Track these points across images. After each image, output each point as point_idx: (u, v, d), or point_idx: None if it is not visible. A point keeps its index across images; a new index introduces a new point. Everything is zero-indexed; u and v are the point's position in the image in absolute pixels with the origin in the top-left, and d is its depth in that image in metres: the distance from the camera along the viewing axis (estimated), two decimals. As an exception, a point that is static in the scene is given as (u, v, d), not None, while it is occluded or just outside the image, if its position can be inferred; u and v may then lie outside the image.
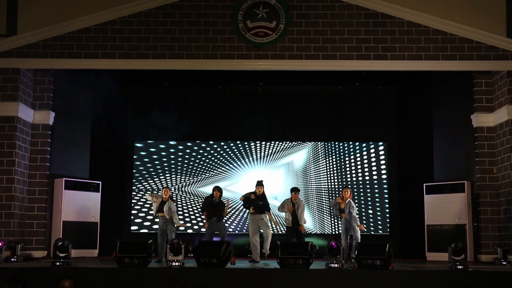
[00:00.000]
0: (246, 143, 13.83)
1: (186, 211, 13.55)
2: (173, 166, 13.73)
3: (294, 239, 10.97)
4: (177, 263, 8.92)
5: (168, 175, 13.69)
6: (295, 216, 11.04)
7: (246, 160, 13.82)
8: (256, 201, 10.82)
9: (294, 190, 11.19)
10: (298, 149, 13.82)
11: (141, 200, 13.52)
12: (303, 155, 13.82)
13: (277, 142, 13.83)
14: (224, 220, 11.35)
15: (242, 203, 11.25)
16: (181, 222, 11.61)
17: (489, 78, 11.80)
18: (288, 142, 13.82)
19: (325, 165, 13.75)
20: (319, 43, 11.38)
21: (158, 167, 13.71)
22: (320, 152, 13.80)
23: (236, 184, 13.67)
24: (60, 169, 12.13)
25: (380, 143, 13.75)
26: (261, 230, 10.90)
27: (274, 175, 13.71)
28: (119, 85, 13.25)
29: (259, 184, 10.98)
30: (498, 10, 11.76)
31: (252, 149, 13.82)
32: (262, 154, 13.82)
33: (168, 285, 8.34)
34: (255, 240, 10.74)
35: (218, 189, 11.13)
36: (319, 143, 13.81)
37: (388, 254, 8.59)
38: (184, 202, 13.61)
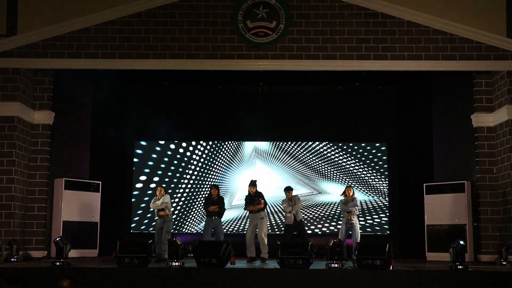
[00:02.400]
0: (246, 143, 13.82)
1: (185, 210, 13.55)
2: (173, 166, 13.72)
3: (294, 236, 10.98)
4: (177, 263, 8.93)
5: (168, 175, 13.67)
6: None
7: (246, 160, 13.81)
8: (254, 200, 10.87)
9: (287, 190, 11.23)
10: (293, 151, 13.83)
11: (142, 201, 13.52)
12: (296, 155, 13.82)
13: (277, 142, 13.82)
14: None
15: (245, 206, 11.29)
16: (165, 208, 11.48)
17: (489, 78, 11.79)
18: (288, 143, 13.82)
19: (325, 165, 13.73)
20: (319, 43, 11.38)
21: (158, 167, 13.70)
22: (319, 152, 13.79)
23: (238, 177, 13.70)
24: (60, 169, 12.14)
25: (380, 143, 13.75)
26: (257, 230, 10.92)
27: (274, 175, 13.72)
28: (119, 85, 13.25)
29: (252, 184, 11.01)
30: (498, 10, 11.76)
31: (252, 149, 13.82)
32: (262, 154, 13.82)
33: (168, 285, 8.34)
34: (249, 236, 10.84)
35: (215, 187, 11.17)
36: (319, 143, 13.80)
37: (388, 254, 8.60)
38: (185, 202, 13.62)
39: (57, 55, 11.31)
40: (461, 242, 8.83)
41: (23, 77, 11.45)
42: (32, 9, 11.70)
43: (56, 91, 12.06)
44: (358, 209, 11.13)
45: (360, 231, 11.00)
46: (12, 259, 10.20)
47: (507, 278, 8.23)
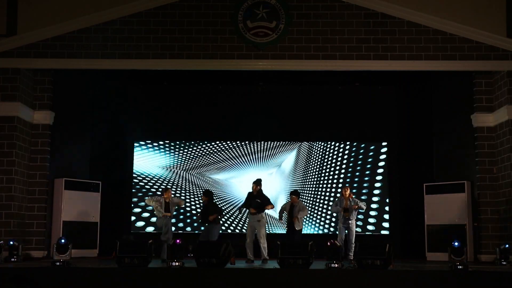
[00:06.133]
0: (245, 143, 13.83)
1: (185, 210, 13.56)
2: (172, 166, 13.72)
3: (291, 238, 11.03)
4: (177, 263, 8.93)
5: (168, 174, 13.68)
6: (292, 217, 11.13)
7: (246, 160, 13.81)
8: (254, 201, 10.85)
9: (294, 194, 11.22)
10: (291, 149, 13.84)
11: (142, 202, 13.50)
12: (295, 156, 13.82)
13: (276, 142, 13.83)
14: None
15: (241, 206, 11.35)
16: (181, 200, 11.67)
17: (489, 78, 11.79)
18: (287, 142, 13.82)
19: (325, 165, 13.73)
20: (319, 43, 11.38)
21: (158, 167, 13.70)
22: (320, 152, 13.79)
23: (239, 178, 13.70)
24: (60, 169, 12.14)
25: (380, 143, 13.74)
26: (256, 231, 10.92)
27: (273, 175, 13.72)
28: (119, 85, 13.24)
29: (254, 182, 11.02)
30: (498, 10, 11.76)
31: (252, 149, 13.82)
32: (262, 154, 13.82)
33: (168, 285, 8.35)
34: (250, 240, 10.85)
35: (206, 194, 11.18)
36: (319, 143, 13.81)
37: (388, 254, 8.60)
38: (185, 202, 13.61)
39: (57, 55, 11.32)
40: (456, 243, 8.88)
41: (23, 77, 11.45)
42: (32, 9, 11.70)
43: (56, 91, 12.06)
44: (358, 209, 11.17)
45: (359, 229, 11.03)
46: (12, 259, 10.20)
47: (507, 278, 8.24)
